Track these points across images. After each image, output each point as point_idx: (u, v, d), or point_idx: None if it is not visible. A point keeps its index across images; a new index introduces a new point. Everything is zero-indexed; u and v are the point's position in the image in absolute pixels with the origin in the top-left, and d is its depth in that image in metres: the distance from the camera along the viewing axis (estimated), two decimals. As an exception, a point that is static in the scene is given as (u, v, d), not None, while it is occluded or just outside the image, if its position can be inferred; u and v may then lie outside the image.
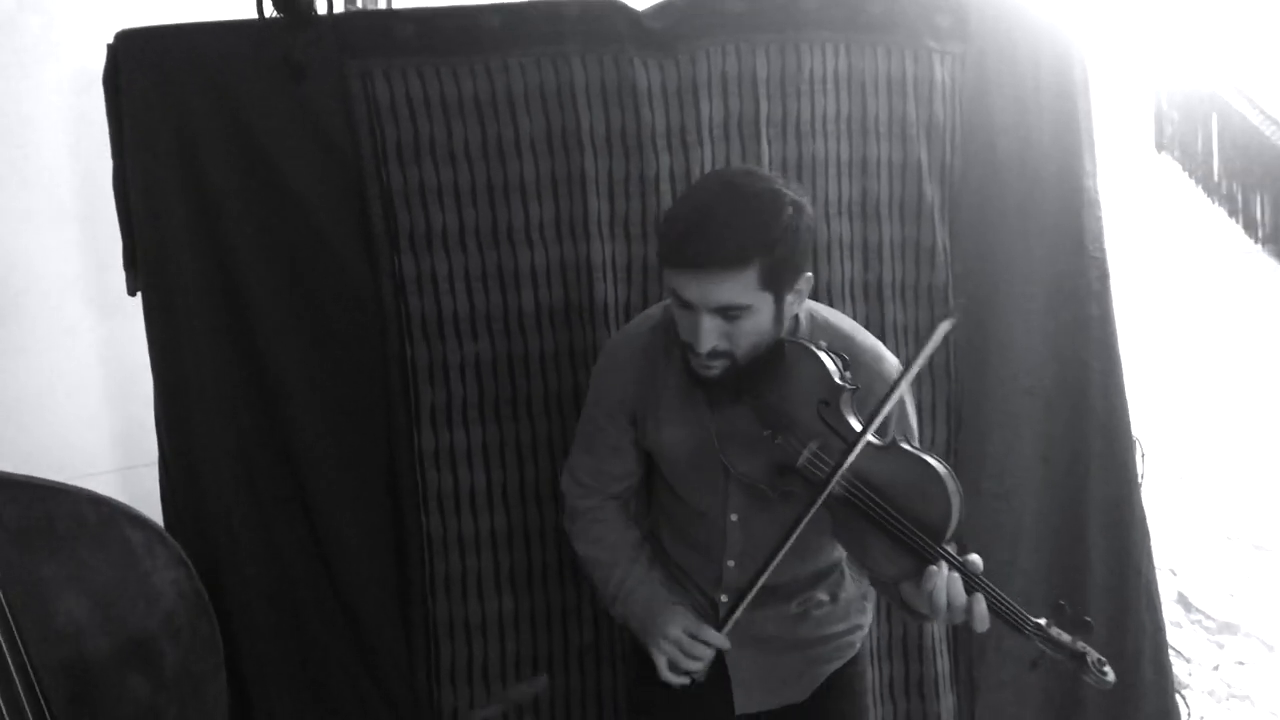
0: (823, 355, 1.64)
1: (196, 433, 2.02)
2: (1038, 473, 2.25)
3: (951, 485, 1.55)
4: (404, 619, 2.11)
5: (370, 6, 2.29)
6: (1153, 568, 2.35)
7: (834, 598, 1.86)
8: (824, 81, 2.12)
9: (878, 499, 1.56)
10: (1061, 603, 1.54)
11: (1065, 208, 2.23)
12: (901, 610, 1.68)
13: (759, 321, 1.59)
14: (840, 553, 1.86)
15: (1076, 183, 2.21)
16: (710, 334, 1.57)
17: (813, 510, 1.59)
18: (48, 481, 1.41)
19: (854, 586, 1.89)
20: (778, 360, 1.64)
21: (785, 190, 1.58)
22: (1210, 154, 4.43)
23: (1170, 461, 3.92)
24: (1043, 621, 1.52)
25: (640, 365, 1.78)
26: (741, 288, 1.54)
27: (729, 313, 1.56)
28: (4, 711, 1.26)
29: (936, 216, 2.21)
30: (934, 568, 1.52)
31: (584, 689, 2.20)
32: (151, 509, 1.82)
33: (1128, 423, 2.26)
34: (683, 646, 1.69)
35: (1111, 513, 2.27)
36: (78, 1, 2.13)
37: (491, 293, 2.08)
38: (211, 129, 1.98)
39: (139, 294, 2.01)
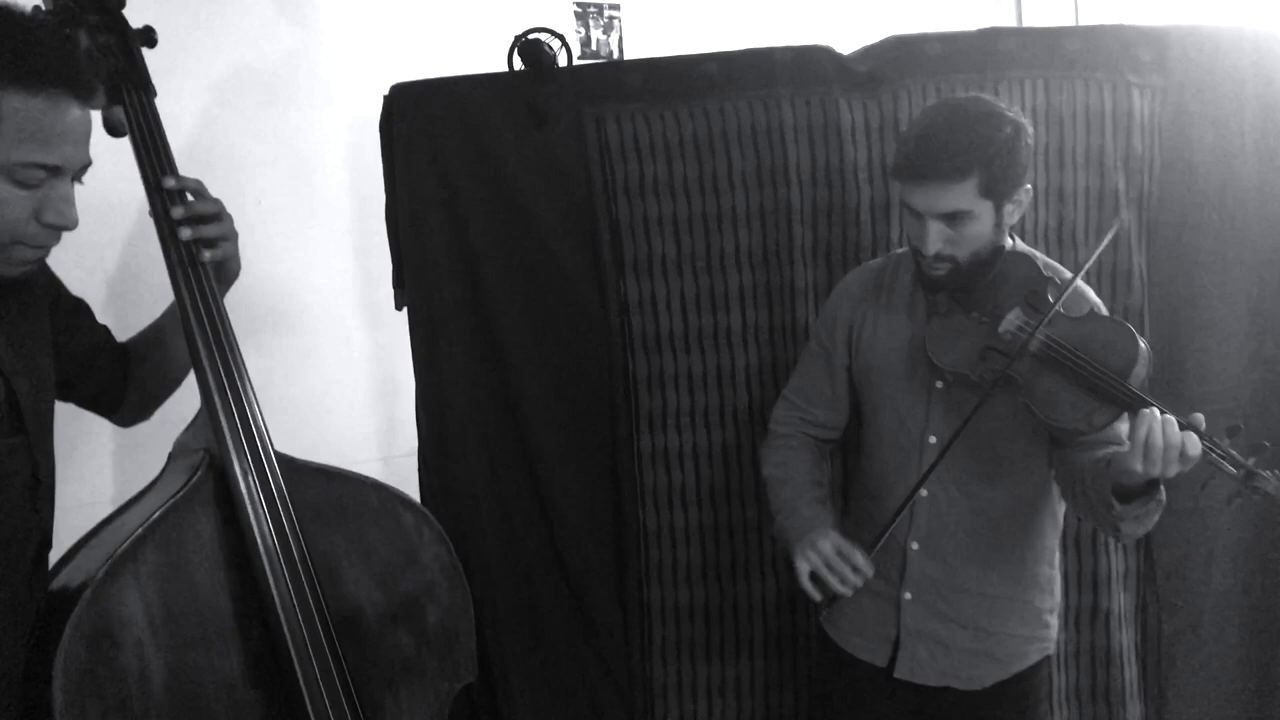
0: (1036, 259, 1.83)
1: (449, 429, 2.32)
2: (1231, 492, 2.29)
3: (1140, 339, 1.68)
4: (622, 602, 2.35)
5: (604, 56, 2.55)
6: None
7: (1020, 597, 1.94)
8: (1022, 116, 2.24)
9: (1073, 349, 1.69)
10: (1239, 425, 1.61)
11: (1269, 234, 2.27)
12: (1106, 511, 1.69)
13: (980, 228, 1.77)
14: (1028, 546, 1.93)
15: (1282, 213, 2.24)
16: (936, 238, 1.76)
17: (1012, 360, 1.71)
18: (342, 470, 1.73)
19: (1043, 596, 1.96)
20: (996, 266, 1.81)
21: (1006, 112, 1.76)
22: None
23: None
24: (1252, 461, 1.59)
25: (866, 287, 1.99)
26: (963, 195, 1.73)
27: (952, 219, 1.75)
28: (312, 654, 1.57)
29: (1133, 243, 2.29)
30: (1146, 411, 1.57)
31: (780, 672, 2.38)
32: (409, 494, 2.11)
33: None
34: (827, 559, 1.80)
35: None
36: (351, 59, 2.46)
37: (704, 313, 2.31)
38: (466, 168, 2.27)
39: (405, 309, 2.32)
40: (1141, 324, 2.27)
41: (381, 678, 1.70)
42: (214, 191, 1.63)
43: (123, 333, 1.77)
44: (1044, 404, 1.71)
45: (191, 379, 1.66)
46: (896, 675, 1.95)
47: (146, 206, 1.62)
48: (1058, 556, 2.01)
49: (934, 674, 1.94)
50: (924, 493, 1.89)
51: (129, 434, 1.85)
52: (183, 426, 1.74)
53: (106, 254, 2.23)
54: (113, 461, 2.26)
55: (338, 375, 2.53)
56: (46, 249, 1.42)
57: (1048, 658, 2.01)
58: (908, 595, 1.93)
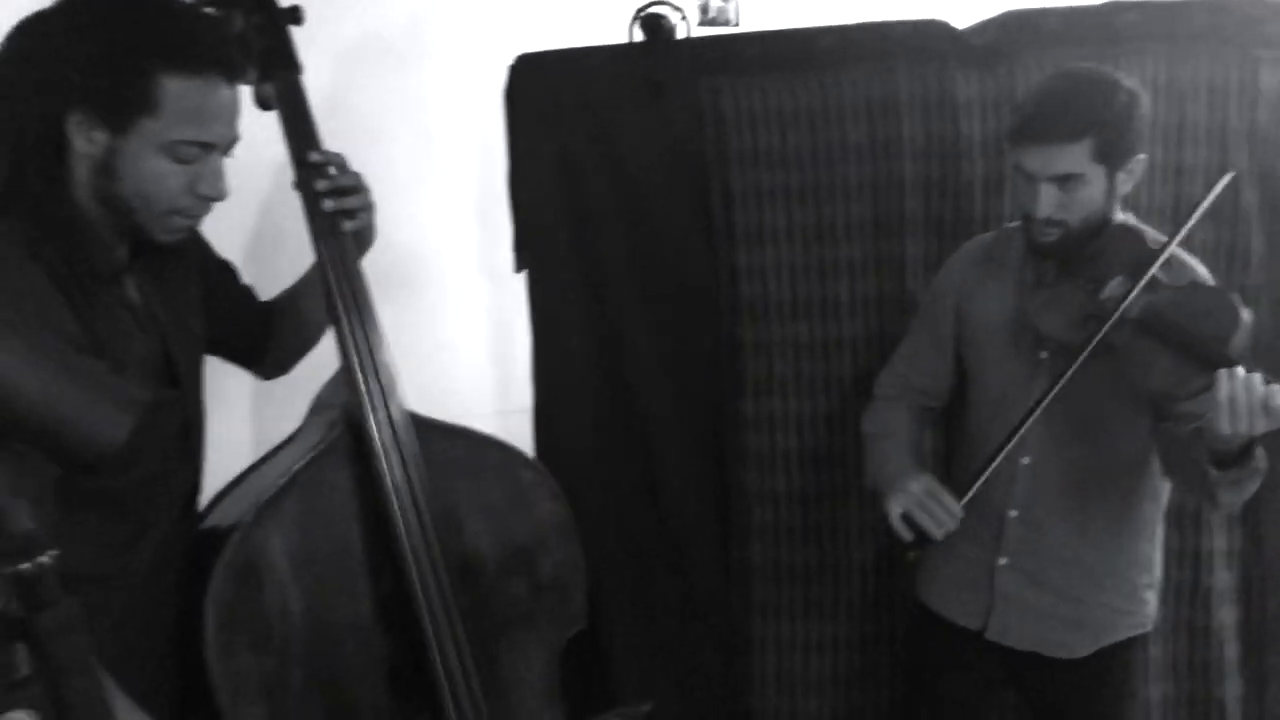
0: (1145, 232, 1.87)
1: (561, 389, 2.41)
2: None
3: (1242, 308, 1.70)
4: (723, 561, 2.42)
5: (722, 23, 2.58)
6: None
7: (1117, 569, 1.97)
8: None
9: (1173, 315, 1.72)
10: None
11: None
12: (1202, 480, 1.71)
13: (1092, 193, 1.81)
14: (1127, 518, 1.96)
15: None
16: (1048, 202, 1.81)
17: (1112, 321, 1.74)
18: (466, 428, 1.83)
19: (1140, 571, 1.99)
20: (1104, 236, 1.85)
21: (1122, 81, 1.82)
22: None
23: None
24: None
25: (976, 259, 2.06)
26: (1076, 158, 1.77)
27: (1065, 182, 1.79)
28: (436, 597, 1.69)
29: (1254, 221, 2.26)
30: (1227, 370, 1.60)
31: (877, 631, 2.44)
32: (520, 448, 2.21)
33: None
34: (918, 499, 1.85)
35: None
36: (477, 29, 2.54)
37: (812, 282, 2.35)
38: (585, 137, 2.33)
39: (523, 272, 2.42)
40: (1257, 304, 2.24)
41: (497, 622, 1.82)
42: (346, 154, 1.73)
43: (257, 286, 1.90)
44: (1141, 369, 1.73)
45: (328, 338, 1.78)
46: (988, 636, 2.00)
47: (280, 169, 1.73)
48: (1160, 533, 2.03)
49: (1024, 639, 1.99)
50: (1025, 460, 1.93)
51: (265, 384, 2.00)
52: (312, 378, 1.88)
53: (244, 215, 2.36)
54: (250, 407, 2.41)
55: (459, 333, 2.64)
56: (199, 218, 1.55)
57: (1145, 635, 2.03)
58: (1003, 561, 1.98)
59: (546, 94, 2.34)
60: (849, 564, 2.43)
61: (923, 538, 1.85)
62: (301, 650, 1.63)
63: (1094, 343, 1.76)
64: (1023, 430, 1.83)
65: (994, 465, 1.85)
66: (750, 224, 2.34)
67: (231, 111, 1.48)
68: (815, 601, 2.43)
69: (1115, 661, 1.99)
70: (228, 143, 1.49)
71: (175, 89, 1.40)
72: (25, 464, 0.72)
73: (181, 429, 1.63)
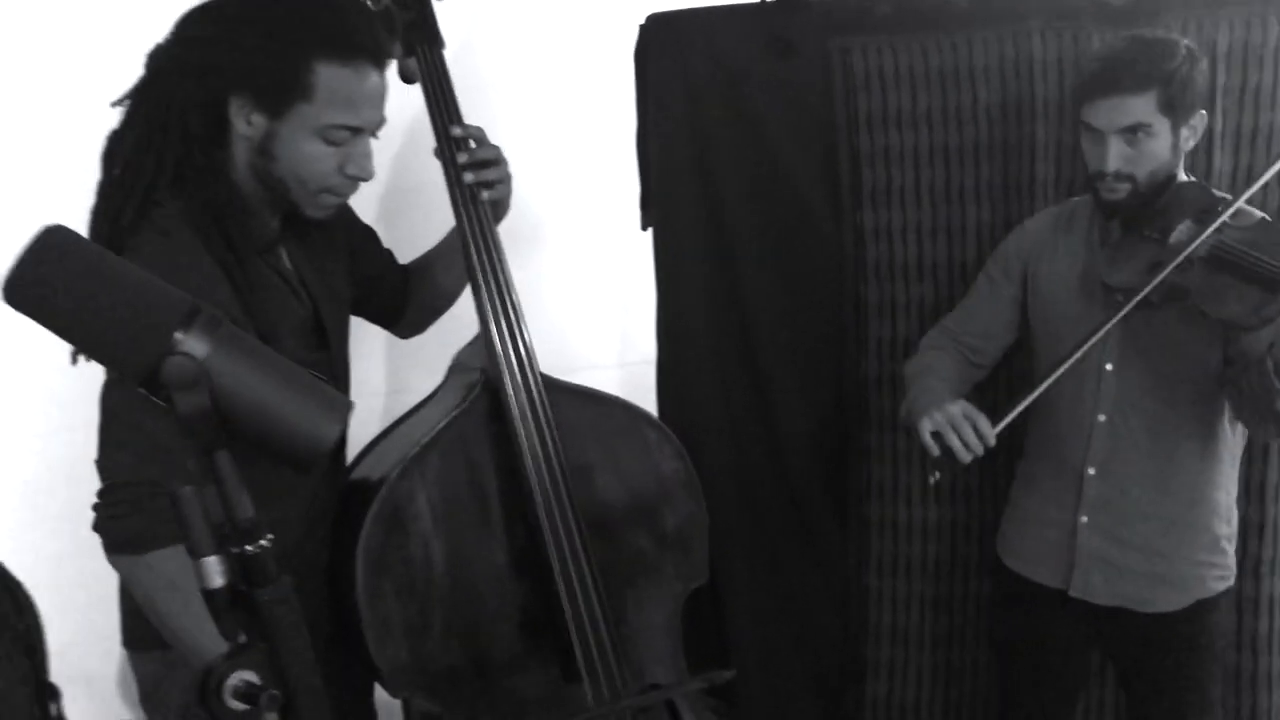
0: (1209, 187, 1.93)
1: (684, 345, 2.46)
2: None
3: None
4: (842, 517, 2.47)
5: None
6: None
7: (1198, 522, 1.99)
8: (1291, 50, 2.15)
9: (1239, 247, 1.77)
10: None
11: None
12: (1271, 401, 1.78)
13: (1157, 147, 1.87)
14: (1205, 471, 1.98)
15: None
16: (1116, 156, 1.87)
17: (1186, 252, 1.78)
18: (595, 390, 1.91)
19: (1219, 522, 2.01)
20: (1170, 191, 1.90)
21: (1181, 40, 1.90)
22: None
23: None
24: None
25: (1044, 224, 2.13)
26: (1143, 108, 1.85)
27: (1133, 134, 1.86)
28: (566, 549, 1.78)
29: None
30: None
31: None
32: (639, 402, 2.28)
33: None
34: (952, 418, 1.86)
35: None
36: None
37: (939, 243, 2.35)
38: (713, 97, 2.35)
39: (649, 229, 2.47)
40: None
41: (623, 574, 1.91)
42: (476, 120, 1.80)
43: (390, 242, 1.99)
44: (1213, 301, 1.77)
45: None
46: (1071, 594, 2.05)
47: (413, 132, 1.81)
48: (1234, 484, 2.05)
49: (1108, 595, 2.03)
50: (1101, 417, 1.99)
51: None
52: (444, 336, 1.97)
53: (379, 173, 2.46)
54: (385, 361, 2.53)
55: (582, 285, 2.71)
56: (347, 196, 1.64)
57: (1230, 592, 2.05)
58: (1084, 519, 2.03)
59: (676, 53, 2.36)
60: (965, 522, 2.45)
61: (950, 459, 1.86)
62: (442, 597, 1.75)
63: (1163, 275, 1.79)
64: (1076, 356, 1.87)
65: (1036, 394, 1.89)
66: (878, 185, 2.35)
67: (380, 96, 1.56)
68: (933, 559, 2.46)
69: (1206, 619, 2.02)
70: (375, 125, 1.58)
71: (328, 76, 1.49)
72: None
73: (330, 385, 1.74)
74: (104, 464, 1.49)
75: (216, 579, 0.75)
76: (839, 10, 2.33)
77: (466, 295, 1.87)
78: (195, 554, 0.75)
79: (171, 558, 1.45)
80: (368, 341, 2.24)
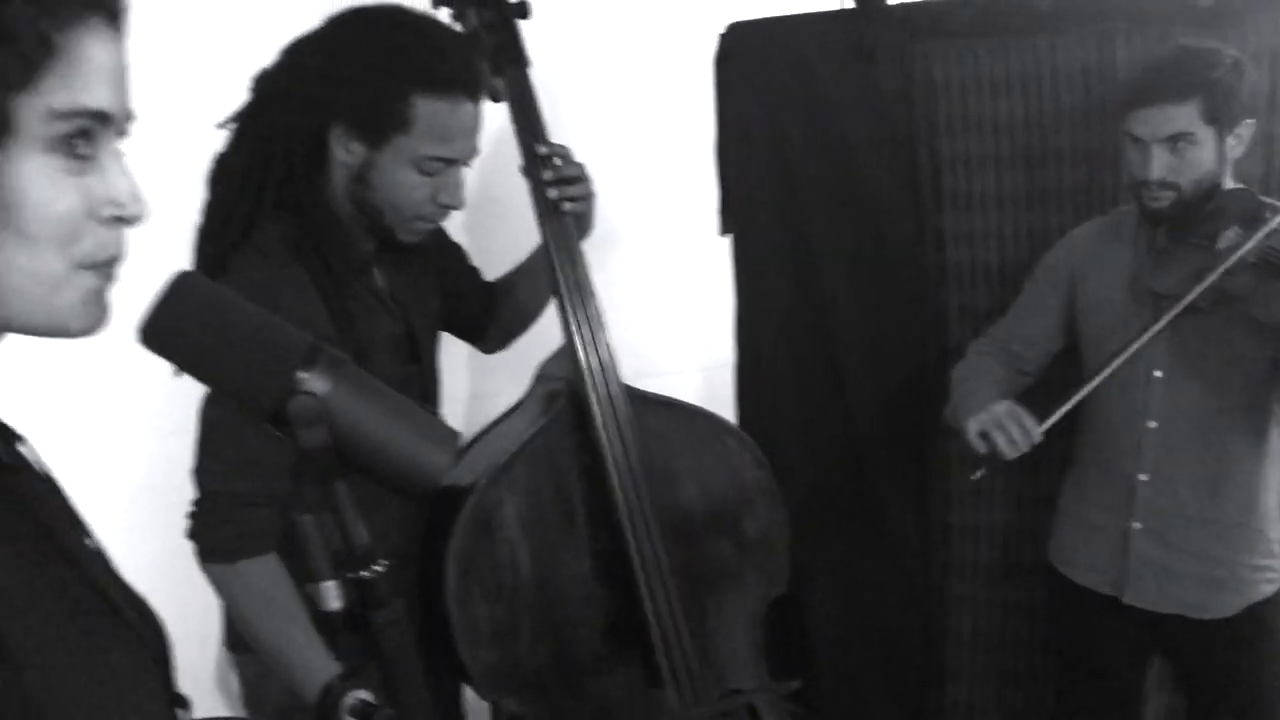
0: (1255, 192, 1.91)
1: (763, 349, 2.48)
2: None
3: None
4: (922, 522, 2.47)
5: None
6: None
7: (1251, 525, 1.98)
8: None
9: None
10: None
11: None
12: None
13: (1202, 155, 1.87)
14: (1257, 475, 1.97)
15: None
16: (1160, 165, 1.86)
17: (1237, 255, 1.78)
18: (677, 400, 1.94)
19: (1274, 525, 2.00)
20: (1216, 198, 1.89)
21: (1225, 49, 1.89)
22: None
23: None
24: None
25: (1091, 234, 2.13)
26: (1185, 118, 1.84)
27: (1175, 143, 1.85)
28: (649, 556, 1.81)
29: None
30: None
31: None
32: (717, 405, 2.30)
33: None
34: (998, 417, 1.89)
35: None
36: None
37: (1021, 249, 2.33)
38: (792, 103, 2.37)
39: (728, 234, 2.49)
40: None
41: (705, 581, 1.94)
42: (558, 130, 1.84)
43: (473, 251, 2.03)
44: (1262, 306, 1.78)
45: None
46: (1125, 601, 2.05)
47: (497, 147, 1.85)
48: None
49: (1164, 601, 2.03)
50: (1152, 424, 1.99)
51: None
52: (523, 342, 2.03)
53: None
54: (466, 367, 2.58)
55: (663, 291, 2.74)
56: (438, 223, 1.70)
57: None
58: (1136, 525, 2.03)
59: (755, 60, 2.38)
60: (1048, 529, 2.43)
61: (995, 456, 1.89)
62: (529, 600, 1.80)
63: (1210, 280, 1.79)
64: (1124, 357, 1.87)
65: (1083, 394, 1.89)
66: (959, 190, 2.35)
67: (474, 128, 1.61)
68: (1015, 564, 2.45)
69: (1263, 622, 2.01)
70: (469, 157, 1.62)
71: (426, 109, 1.53)
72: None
73: (420, 399, 1.79)
74: (199, 474, 1.56)
75: (334, 602, 0.80)
76: (919, 15, 2.33)
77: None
78: (314, 578, 0.80)
79: (260, 567, 1.53)
80: (449, 348, 2.28)
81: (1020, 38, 2.26)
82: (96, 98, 0.74)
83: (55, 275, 0.74)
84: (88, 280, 0.76)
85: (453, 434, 0.83)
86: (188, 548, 1.60)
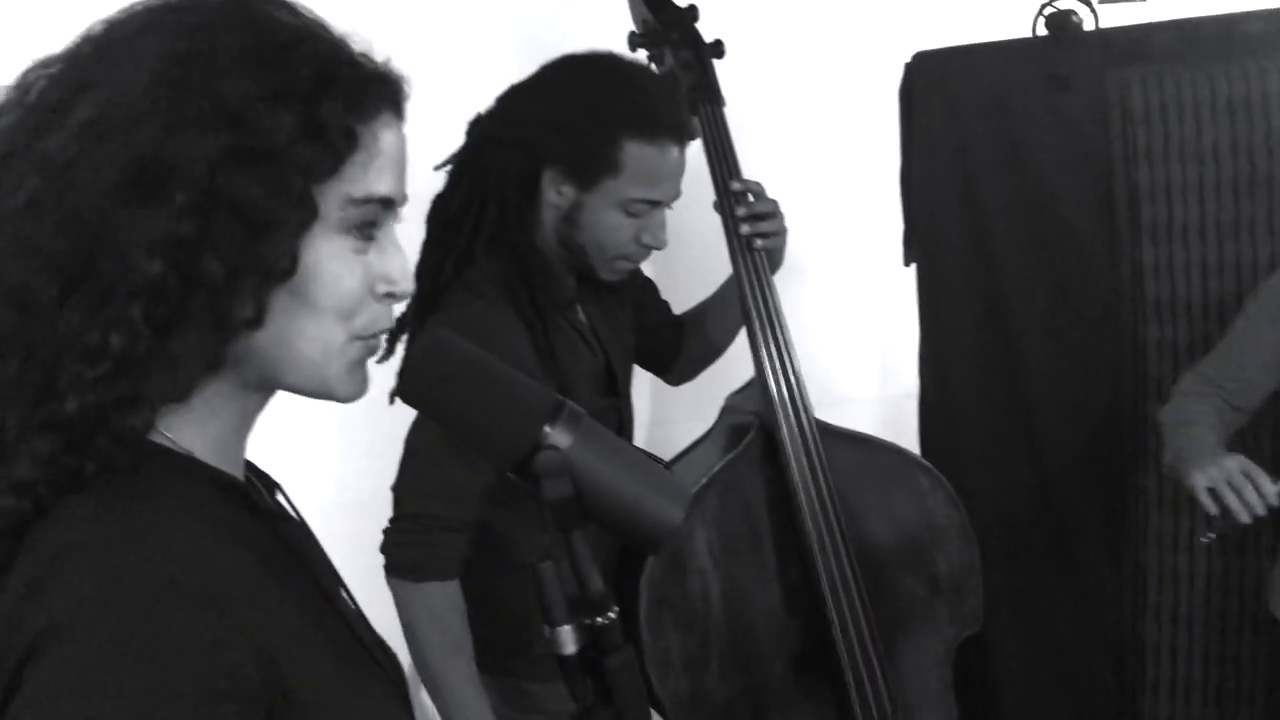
0: None
1: (949, 381, 2.45)
2: None
3: None
4: (1115, 563, 2.38)
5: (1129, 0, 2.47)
6: None
7: None
8: None
9: None
10: None
11: None
12: None
13: None
14: None
15: None
16: None
17: None
18: (869, 436, 1.94)
19: None
20: None
21: None
22: None
23: None
24: None
25: None
26: None
27: None
28: (840, 590, 1.81)
29: None
30: None
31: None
32: (899, 435, 2.28)
33: None
34: (1230, 475, 1.75)
35: None
36: (872, 29, 2.60)
37: (1227, 281, 2.23)
38: (981, 133, 2.34)
39: (911, 265, 2.48)
40: None
41: (896, 618, 1.92)
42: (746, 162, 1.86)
43: (660, 281, 2.07)
44: None
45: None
46: None
47: (689, 182, 1.88)
48: None
49: None
50: None
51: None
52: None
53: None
54: (649, 394, 2.62)
55: (847, 320, 2.74)
56: (639, 261, 1.74)
57: None
58: None
59: (943, 90, 2.36)
60: (1256, 576, 2.32)
61: (1228, 518, 1.76)
62: (720, 632, 1.81)
63: None
64: None
65: None
66: (1159, 220, 2.27)
67: (679, 172, 1.65)
68: (1218, 613, 2.34)
69: None
70: (673, 199, 1.67)
71: (636, 153, 1.59)
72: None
73: (617, 429, 1.84)
74: (399, 492, 1.64)
75: (570, 646, 0.83)
76: (1117, 42, 2.26)
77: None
78: (551, 623, 0.83)
79: (442, 592, 1.60)
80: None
81: (1226, 62, 2.17)
82: (386, 185, 0.80)
83: (336, 345, 0.80)
84: (357, 350, 0.82)
85: (684, 490, 0.85)
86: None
